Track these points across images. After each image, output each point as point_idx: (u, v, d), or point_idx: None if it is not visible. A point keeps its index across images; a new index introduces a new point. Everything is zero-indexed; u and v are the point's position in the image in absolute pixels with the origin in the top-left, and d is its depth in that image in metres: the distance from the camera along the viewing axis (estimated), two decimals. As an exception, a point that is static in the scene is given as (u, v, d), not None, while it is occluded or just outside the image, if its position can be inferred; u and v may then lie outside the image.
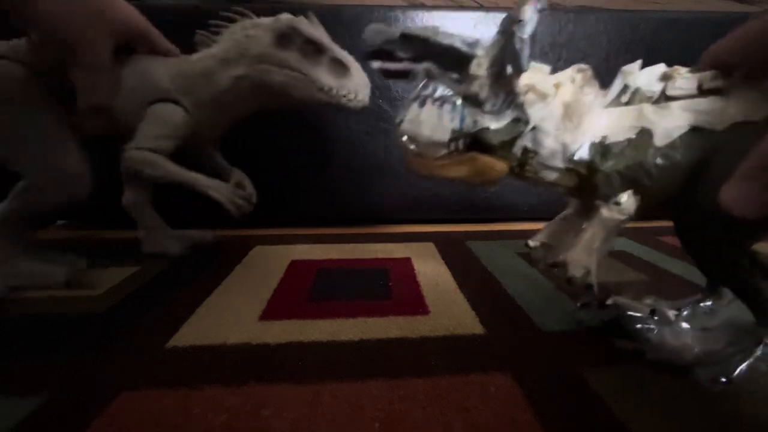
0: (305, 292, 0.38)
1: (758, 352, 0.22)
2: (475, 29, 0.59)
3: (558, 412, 0.22)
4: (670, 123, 0.23)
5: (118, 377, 0.25)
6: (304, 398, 0.23)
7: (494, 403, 0.22)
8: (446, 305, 0.35)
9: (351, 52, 0.44)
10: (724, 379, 0.22)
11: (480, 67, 0.24)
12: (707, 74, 0.23)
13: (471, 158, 0.26)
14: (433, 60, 0.24)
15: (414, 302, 0.35)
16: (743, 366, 0.22)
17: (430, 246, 0.52)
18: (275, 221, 0.54)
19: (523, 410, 0.22)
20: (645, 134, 0.23)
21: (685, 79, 0.23)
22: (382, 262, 0.46)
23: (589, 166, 0.24)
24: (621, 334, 0.27)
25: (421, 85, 0.25)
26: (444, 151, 0.25)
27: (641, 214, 0.24)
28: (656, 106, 0.23)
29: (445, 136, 0.24)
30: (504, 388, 0.24)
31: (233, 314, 0.33)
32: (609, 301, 0.30)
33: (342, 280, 0.41)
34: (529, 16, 0.22)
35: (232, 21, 0.42)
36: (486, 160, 0.26)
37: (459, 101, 0.24)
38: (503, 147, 0.25)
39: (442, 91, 0.25)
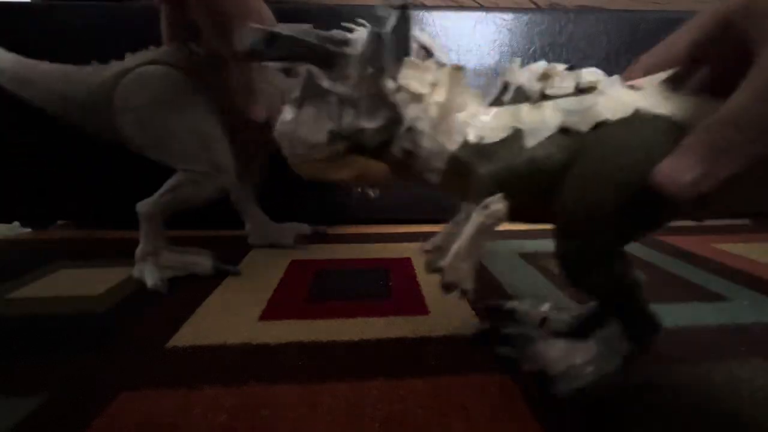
0: (305, 292, 0.38)
1: (610, 366, 0.22)
2: (475, 29, 0.59)
3: (558, 412, 0.22)
4: (540, 123, 0.22)
5: (118, 377, 0.25)
6: (304, 398, 0.23)
7: (494, 403, 0.22)
8: (446, 305, 0.35)
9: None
10: (574, 392, 0.22)
11: (353, 67, 0.23)
12: (585, 71, 0.22)
13: (352, 161, 0.25)
14: (306, 60, 0.23)
15: (414, 302, 0.35)
16: (591, 379, 0.22)
17: (430, 246, 0.52)
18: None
19: (523, 410, 0.22)
20: (516, 135, 0.22)
21: (562, 78, 0.22)
22: (382, 262, 0.46)
23: (467, 167, 0.23)
24: (502, 340, 0.27)
25: (301, 86, 0.24)
26: (324, 153, 0.24)
27: (522, 217, 0.23)
28: (532, 105, 0.22)
29: (322, 138, 0.24)
30: (504, 388, 0.24)
31: (233, 314, 0.33)
32: (507, 306, 0.30)
33: (342, 280, 0.41)
34: (386, 13, 0.22)
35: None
36: (366, 162, 0.25)
37: (335, 102, 0.23)
38: (381, 148, 0.24)
39: (320, 92, 0.23)
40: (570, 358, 0.23)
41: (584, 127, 0.21)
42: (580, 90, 0.22)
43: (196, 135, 0.39)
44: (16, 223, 0.64)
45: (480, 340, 0.28)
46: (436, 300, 0.36)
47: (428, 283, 0.40)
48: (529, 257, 0.47)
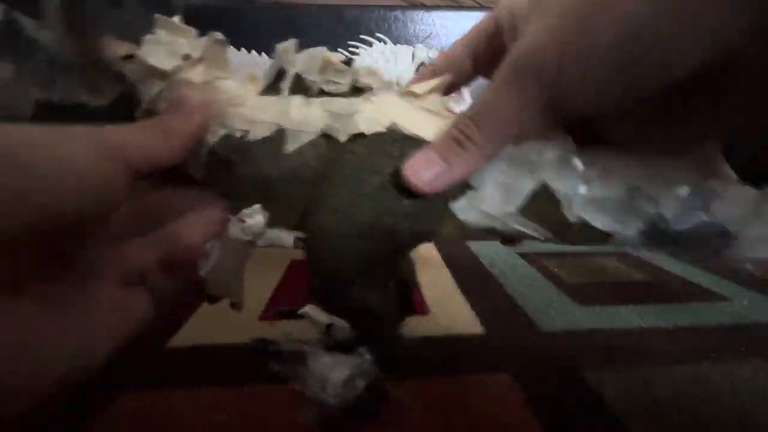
0: (305, 292, 0.38)
1: (354, 390, 0.20)
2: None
3: (558, 412, 0.22)
4: (304, 124, 0.19)
5: (118, 377, 0.25)
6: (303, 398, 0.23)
7: (494, 403, 0.22)
8: (446, 305, 0.35)
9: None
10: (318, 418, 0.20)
11: (55, 15, 0.17)
12: (363, 69, 0.19)
13: None
14: None
15: (414, 302, 0.35)
16: (335, 402, 0.20)
17: (430, 246, 0.52)
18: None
19: (523, 410, 0.22)
20: (279, 134, 0.19)
21: (339, 73, 0.19)
22: (382, 262, 0.46)
23: (227, 165, 0.19)
24: (275, 355, 0.23)
25: None
26: None
27: (295, 227, 0.20)
28: (304, 100, 0.19)
29: (26, 108, 0.18)
30: (504, 388, 0.24)
31: (233, 314, 0.33)
32: (300, 311, 0.27)
33: (342, 280, 0.41)
34: None
35: (369, 45, 0.44)
36: None
37: (45, 60, 0.17)
38: None
39: (24, 40, 0.17)
40: (327, 377, 0.21)
41: (343, 136, 0.18)
42: (357, 89, 0.19)
43: None
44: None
45: (257, 353, 0.25)
46: (436, 300, 0.36)
47: (428, 283, 0.40)
48: (529, 257, 0.47)
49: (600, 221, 0.17)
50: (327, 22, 0.53)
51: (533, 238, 0.19)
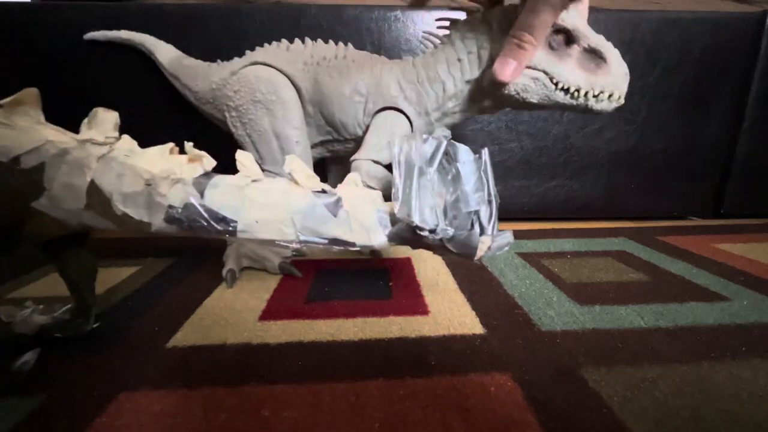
0: (305, 292, 0.38)
1: None
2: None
3: (558, 412, 0.22)
4: None
5: (118, 377, 0.25)
6: (304, 398, 0.23)
7: (494, 403, 0.22)
8: (446, 305, 0.35)
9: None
10: None
11: None
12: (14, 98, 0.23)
13: None
14: None
15: (414, 302, 0.35)
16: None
17: (430, 246, 0.52)
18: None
19: (523, 410, 0.22)
20: None
21: None
22: (382, 262, 0.46)
23: None
24: None
25: None
26: None
27: None
28: None
29: None
30: (504, 388, 0.24)
31: (233, 314, 0.33)
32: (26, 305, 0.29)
33: (342, 280, 0.41)
34: None
35: (467, 16, 0.37)
36: None
37: None
38: None
39: None
40: None
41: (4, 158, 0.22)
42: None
43: (280, 138, 0.40)
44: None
45: None
46: (436, 300, 0.36)
47: (428, 283, 0.40)
48: (529, 257, 0.47)
49: (135, 212, 0.22)
50: (327, 22, 0.53)
51: (104, 228, 0.23)
